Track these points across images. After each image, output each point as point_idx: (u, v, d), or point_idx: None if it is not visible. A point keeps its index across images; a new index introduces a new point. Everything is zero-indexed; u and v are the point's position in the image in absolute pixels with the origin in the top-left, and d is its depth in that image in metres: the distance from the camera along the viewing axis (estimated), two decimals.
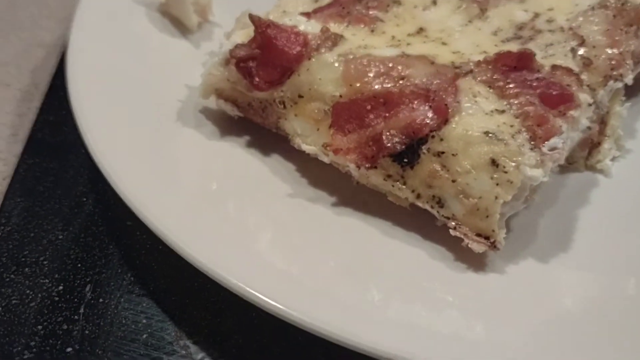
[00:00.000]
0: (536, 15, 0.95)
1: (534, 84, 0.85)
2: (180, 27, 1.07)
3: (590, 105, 0.86)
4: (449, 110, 0.82)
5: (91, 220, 0.91)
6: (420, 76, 0.85)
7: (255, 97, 0.92)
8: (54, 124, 1.03)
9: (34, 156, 0.99)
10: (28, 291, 0.84)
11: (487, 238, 0.80)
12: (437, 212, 0.83)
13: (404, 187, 0.84)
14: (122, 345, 0.80)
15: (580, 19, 0.93)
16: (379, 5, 0.98)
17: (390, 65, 0.87)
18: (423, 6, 0.98)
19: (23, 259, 0.87)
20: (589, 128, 0.88)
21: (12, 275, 0.86)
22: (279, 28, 0.91)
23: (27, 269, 0.86)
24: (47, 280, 0.85)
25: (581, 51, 0.90)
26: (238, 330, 0.81)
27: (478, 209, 0.80)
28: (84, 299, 0.84)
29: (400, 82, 0.85)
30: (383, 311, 0.78)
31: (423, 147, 0.82)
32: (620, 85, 0.90)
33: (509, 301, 0.80)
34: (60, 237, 0.90)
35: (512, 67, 0.86)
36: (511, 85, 0.84)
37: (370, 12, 0.97)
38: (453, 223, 0.82)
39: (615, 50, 0.90)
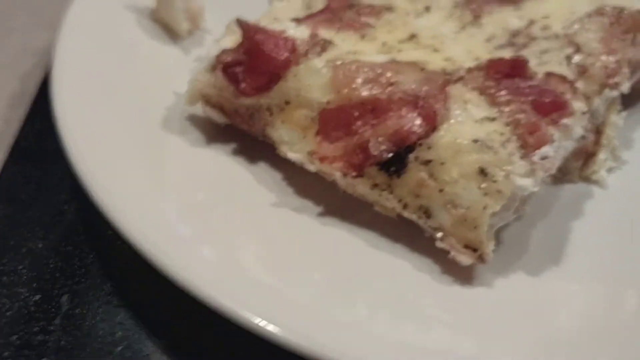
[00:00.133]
0: (531, 22, 0.93)
1: (526, 91, 0.82)
2: (171, 33, 1.05)
3: (584, 113, 0.83)
4: (438, 118, 0.80)
5: (72, 229, 0.89)
6: (409, 83, 0.83)
7: (241, 103, 0.89)
8: (40, 131, 1.01)
9: (17, 163, 0.97)
10: (4, 300, 0.82)
11: (475, 250, 0.78)
12: (425, 222, 0.80)
13: (390, 196, 0.81)
14: (97, 357, 0.77)
15: (576, 26, 0.91)
16: (371, 12, 0.96)
17: (380, 71, 0.84)
18: (416, 13, 0.96)
19: (1, 267, 0.85)
20: (583, 137, 0.85)
21: None
22: (266, 33, 0.89)
23: (4, 278, 0.84)
24: (24, 290, 0.83)
25: (576, 59, 0.88)
26: (217, 345, 0.79)
27: (466, 220, 0.77)
28: (61, 309, 0.81)
29: (389, 88, 0.83)
30: (369, 327, 0.75)
31: (410, 156, 0.80)
32: (616, 93, 0.88)
33: (499, 316, 0.77)
34: (40, 245, 0.87)
35: (504, 74, 0.84)
36: (503, 93, 0.82)
37: (362, 19, 0.95)
38: (440, 234, 0.79)
39: (612, 58, 0.88)
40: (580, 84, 0.86)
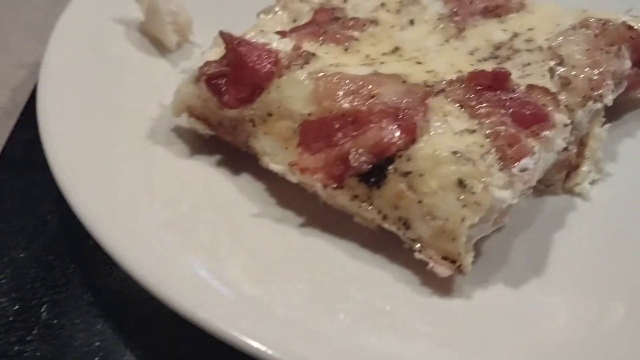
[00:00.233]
0: (515, 35, 0.93)
1: (507, 104, 0.82)
2: (160, 46, 1.06)
3: (566, 125, 0.83)
4: (418, 130, 0.80)
5: (54, 239, 0.89)
6: (390, 95, 0.83)
7: (225, 115, 0.90)
8: (27, 142, 1.01)
9: (3, 172, 0.98)
10: None
11: (453, 262, 0.77)
12: (404, 234, 0.80)
13: (370, 207, 0.81)
14: None
15: (560, 38, 0.91)
16: (356, 25, 0.96)
17: (361, 83, 0.85)
18: (400, 26, 0.96)
19: None
20: (566, 149, 0.85)
21: None
22: (250, 45, 0.89)
23: None
24: (4, 299, 0.83)
25: (560, 71, 0.87)
26: (196, 356, 0.78)
27: (444, 231, 0.77)
28: (40, 319, 0.81)
29: (370, 100, 0.83)
30: (351, 339, 0.74)
31: (390, 167, 0.80)
32: (599, 106, 0.88)
33: (478, 327, 0.77)
34: (22, 255, 0.88)
35: (486, 86, 0.84)
36: (483, 105, 0.82)
37: (347, 32, 0.95)
38: (419, 245, 0.79)
39: (595, 71, 0.88)
40: (563, 96, 0.85)
